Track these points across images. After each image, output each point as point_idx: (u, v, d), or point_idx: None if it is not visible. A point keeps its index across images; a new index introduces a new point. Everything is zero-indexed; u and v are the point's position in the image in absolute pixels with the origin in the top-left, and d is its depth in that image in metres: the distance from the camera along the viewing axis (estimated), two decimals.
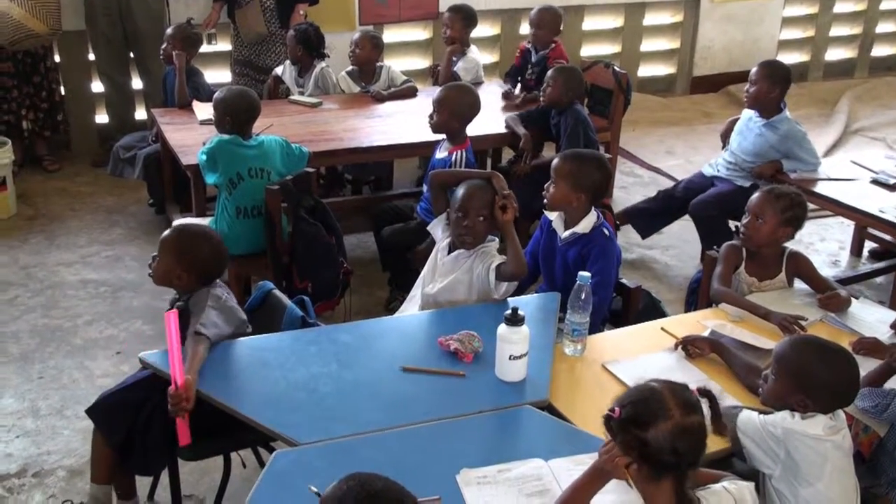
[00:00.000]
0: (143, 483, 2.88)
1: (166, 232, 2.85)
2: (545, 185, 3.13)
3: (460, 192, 3.04)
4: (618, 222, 4.53)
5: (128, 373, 3.19)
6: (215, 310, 2.66)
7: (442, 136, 4.02)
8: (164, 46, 4.79)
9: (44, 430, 3.31)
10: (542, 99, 4.56)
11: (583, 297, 2.67)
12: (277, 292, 2.94)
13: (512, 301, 2.95)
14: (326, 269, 3.74)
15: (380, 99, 4.88)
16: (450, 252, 3.10)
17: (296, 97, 4.87)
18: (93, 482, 2.77)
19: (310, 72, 4.98)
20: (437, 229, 3.19)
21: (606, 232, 3.12)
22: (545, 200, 3.14)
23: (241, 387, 2.50)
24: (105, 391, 2.78)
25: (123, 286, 4.30)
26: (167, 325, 2.53)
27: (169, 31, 4.87)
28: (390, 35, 6.28)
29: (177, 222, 3.93)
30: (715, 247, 3.31)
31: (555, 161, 3.15)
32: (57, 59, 5.58)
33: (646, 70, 7.48)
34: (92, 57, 5.68)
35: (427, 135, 4.08)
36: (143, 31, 5.40)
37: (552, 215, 3.22)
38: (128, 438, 2.64)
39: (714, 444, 2.24)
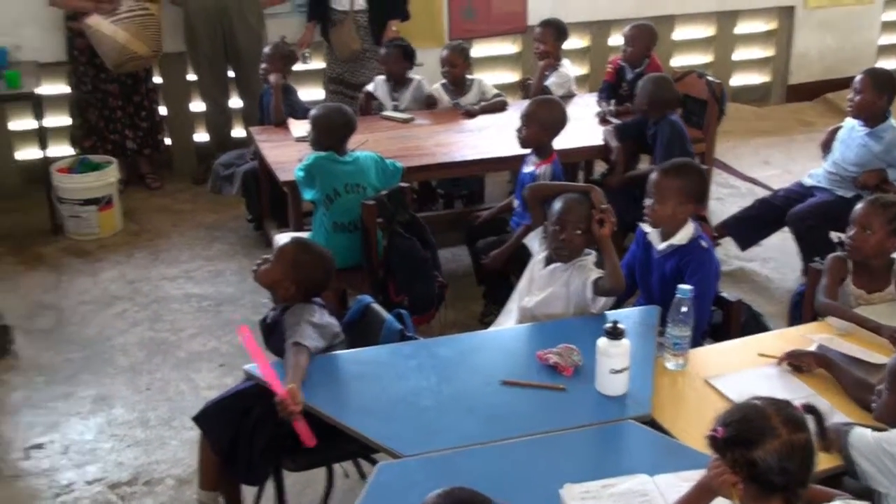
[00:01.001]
0: (248, 493, 2.95)
1: (287, 242, 2.95)
2: (647, 203, 3.09)
3: (558, 205, 3.04)
4: (716, 234, 4.46)
5: (231, 385, 3.27)
6: (311, 324, 2.72)
7: (529, 150, 4.02)
8: (263, 66, 4.92)
9: (153, 440, 3.42)
10: (632, 108, 4.54)
11: (683, 310, 2.65)
12: (376, 306, 2.98)
13: (610, 314, 2.93)
14: (422, 282, 3.78)
15: (471, 114, 4.91)
16: (546, 265, 3.10)
17: (388, 113, 4.93)
18: (200, 489, 2.85)
19: (406, 86, 5.04)
20: (534, 242, 3.20)
21: (704, 244, 3.08)
22: (647, 217, 3.10)
23: (343, 399, 2.55)
24: (211, 399, 2.87)
25: (225, 300, 4.42)
26: (244, 341, 2.63)
27: (266, 50, 5.00)
28: (479, 49, 6.32)
29: (277, 238, 4.03)
30: (818, 258, 3.23)
31: (655, 176, 3.10)
32: (157, 80, 5.77)
33: (739, 79, 7.34)
34: (191, 77, 5.86)
35: (517, 148, 4.08)
36: (245, 51, 5.53)
37: (648, 227, 3.19)
38: (233, 447, 2.72)
39: (825, 461, 2.19)
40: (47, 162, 5.12)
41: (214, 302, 4.41)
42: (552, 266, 3.08)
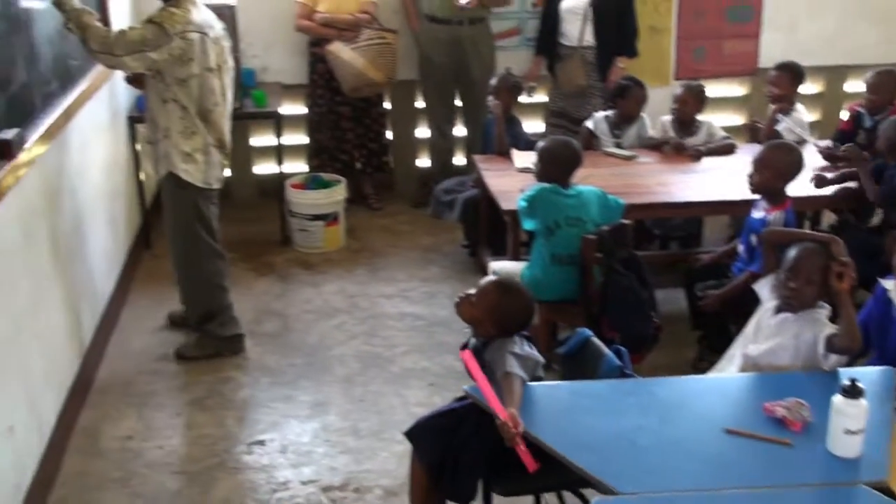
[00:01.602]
0: None
1: (489, 282, 2.95)
2: None
3: (793, 253, 2.94)
4: None
5: (439, 403, 3.36)
6: (514, 355, 2.74)
7: (759, 196, 3.90)
8: (489, 97, 5.04)
9: (363, 449, 3.55)
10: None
11: None
12: (595, 340, 2.97)
13: (842, 372, 2.78)
14: (637, 321, 3.73)
15: (697, 156, 4.82)
16: (776, 314, 2.99)
17: (611, 149, 4.92)
18: (411, 502, 2.93)
19: (631, 123, 5.02)
20: (764, 289, 3.09)
21: None
22: None
23: (560, 429, 2.54)
24: (422, 416, 2.94)
25: (437, 322, 4.53)
26: (468, 363, 2.69)
27: (493, 81, 5.12)
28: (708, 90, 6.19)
29: (494, 265, 4.12)
30: None
31: None
32: (387, 105, 6.03)
33: None
34: (418, 104, 6.08)
35: (744, 192, 3.96)
36: (477, 82, 5.67)
37: (889, 284, 3.01)
38: (441, 463, 2.78)
39: None
40: (282, 177, 5.45)
41: (427, 322, 4.53)
42: (782, 316, 2.97)
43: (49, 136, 3.44)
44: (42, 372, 3.31)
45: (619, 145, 4.98)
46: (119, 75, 4.48)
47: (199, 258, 4.03)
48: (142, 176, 5.23)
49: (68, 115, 3.74)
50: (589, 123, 5.14)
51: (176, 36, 3.63)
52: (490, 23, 5.77)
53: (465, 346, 3.00)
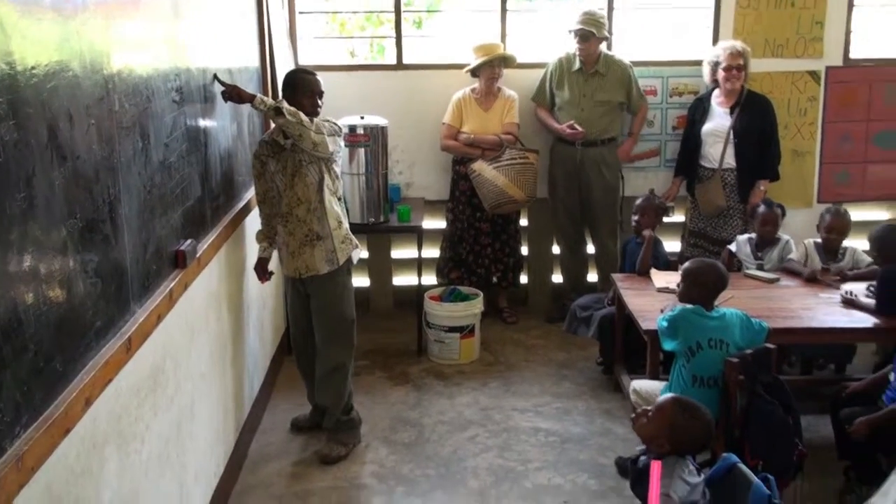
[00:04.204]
0: None
1: (667, 400, 3.05)
2: None
3: None
4: None
5: None
6: (682, 480, 2.74)
7: None
8: (634, 217, 5.10)
9: None
10: None
11: None
12: (742, 467, 2.91)
13: None
14: (781, 448, 3.63)
15: (841, 280, 4.71)
16: None
17: (753, 272, 4.87)
18: None
19: (773, 245, 4.98)
20: None
21: None
22: None
23: None
24: None
25: (570, 438, 4.51)
26: (654, 474, 2.71)
27: (639, 202, 5.18)
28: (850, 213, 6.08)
29: (634, 384, 4.10)
30: None
31: None
32: (523, 222, 6.16)
33: None
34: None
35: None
36: (598, 201, 5.82)
37: None
38: None
39: None
40: (421, 289, 5.60)
41: (560, 439, 4.51)
42: None
43: (216, 246, 3.69)
44: (193, 470, 3.46)
45: (761, 267, 4.93)
46: None
47: (351, 345, 4.34)
48: None
49: (233, 225, 4.00)
50: (732, 246, 5.12)
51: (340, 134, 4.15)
52: (619, 143, 5.88)
53: (634, 461, 3.03)
